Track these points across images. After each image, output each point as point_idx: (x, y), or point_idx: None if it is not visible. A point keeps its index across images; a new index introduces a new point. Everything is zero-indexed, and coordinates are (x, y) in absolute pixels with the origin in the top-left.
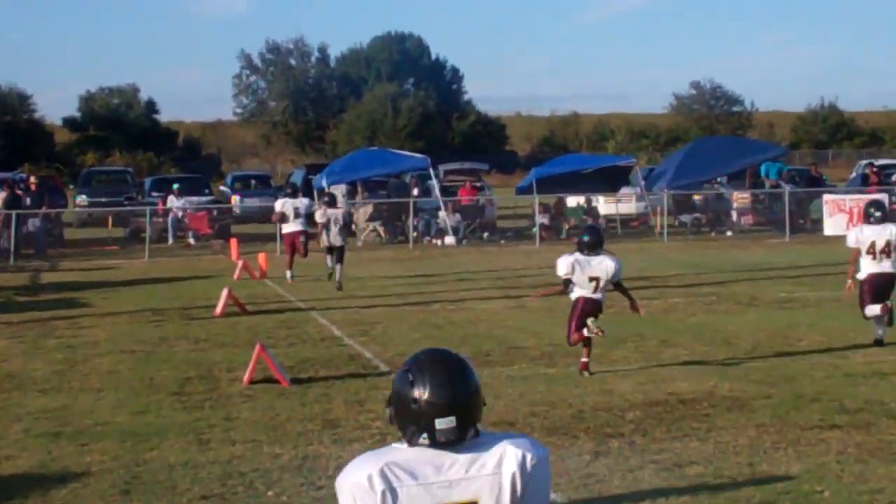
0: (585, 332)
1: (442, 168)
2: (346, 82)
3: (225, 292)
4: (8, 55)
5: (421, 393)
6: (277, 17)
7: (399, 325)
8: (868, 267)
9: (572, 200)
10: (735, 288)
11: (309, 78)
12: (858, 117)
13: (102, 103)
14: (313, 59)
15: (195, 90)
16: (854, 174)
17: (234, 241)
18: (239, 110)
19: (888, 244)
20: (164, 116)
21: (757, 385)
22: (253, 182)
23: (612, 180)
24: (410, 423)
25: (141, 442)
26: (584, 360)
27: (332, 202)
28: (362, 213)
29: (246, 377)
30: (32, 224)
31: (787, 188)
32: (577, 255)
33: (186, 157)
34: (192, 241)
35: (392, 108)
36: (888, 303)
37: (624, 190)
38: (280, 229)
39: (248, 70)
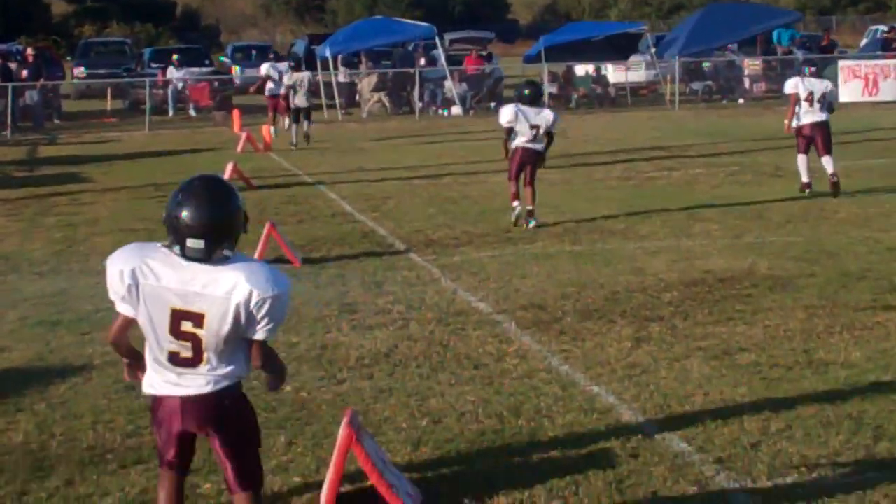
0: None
1: (447, 37)
2: None
3: (230, 166)
4: None
5: (182, 213)
6: None
7: (412, 199)
8: (804, 115)
9: (581, 69)
10: (757, 157)
11: None
12: None
13: None
14: None
15: None
16: (866, 40)
17: (236, 113)
18: None
19: (823, 95)
20: None
21: (797, 262)
22: (253, 53)
23: (621, 48)
24: (171, 235)
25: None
26: (515, 203)
27: (297, 66)
28: (366, 83)
29: (256, 257)
30: (30, 96)
31: (800, 54)
32: (520, 104)
33: (185, 28)
34: (192, 112)
35: None
36: (833, 178)
37: (633, 57)
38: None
39: None
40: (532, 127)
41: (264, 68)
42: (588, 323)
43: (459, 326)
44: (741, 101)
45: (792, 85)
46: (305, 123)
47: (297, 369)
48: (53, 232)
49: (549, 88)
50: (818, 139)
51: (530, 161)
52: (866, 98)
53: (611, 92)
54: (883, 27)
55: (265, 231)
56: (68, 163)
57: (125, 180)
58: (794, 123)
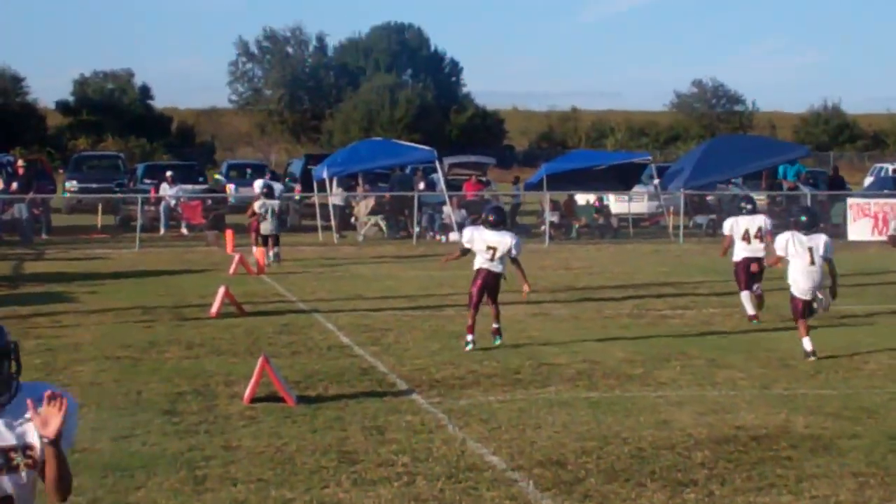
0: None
1: (446, 161)
2: (343, 72)
3: (221, 291)
4: (1, 36)
5: None
6: (275, 5)
7: (412, 332)
8: (741, 251)
9: (582, 198)
10: (773, 299)
11: (306, 67)
12: (861, 120)
13: (96, 88)
14: (311, 47)
15: (190, 77)
16: (871, 178)
17: (229, 233)
18: (234, 98)
19: (759, 230)
20: (159, 102)
21: (836, 420)
22: (249, 171)
23: (623, 178)
24: None
25: (125, 478)
26: (469, 336)
27: (269, 194)
28: (363, 206)
29: (247, 394)
30: (18, 210)
31: (807, 191)
32: (481, 227)
33: (180, 144)
34: (185, 230)
35: (390, 99)
36: (756, 288)
37: (637, 188)
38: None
39: (244, 57)
40: (489, 248)
41: (257, 205)
42: (615, 485)
43: (471, 485)
44: None
45: (728, 227)
46: (273, 250)
47: None
48: (33, 357)
49: (550, 217)
50: (753, 270)
51: (492, 282)
52: (875, 237)
53: (613, 223)
54: (889, 165)
55: (258, 365)
56: (54, 280)
57: (111, 302)
58: (733, 259)
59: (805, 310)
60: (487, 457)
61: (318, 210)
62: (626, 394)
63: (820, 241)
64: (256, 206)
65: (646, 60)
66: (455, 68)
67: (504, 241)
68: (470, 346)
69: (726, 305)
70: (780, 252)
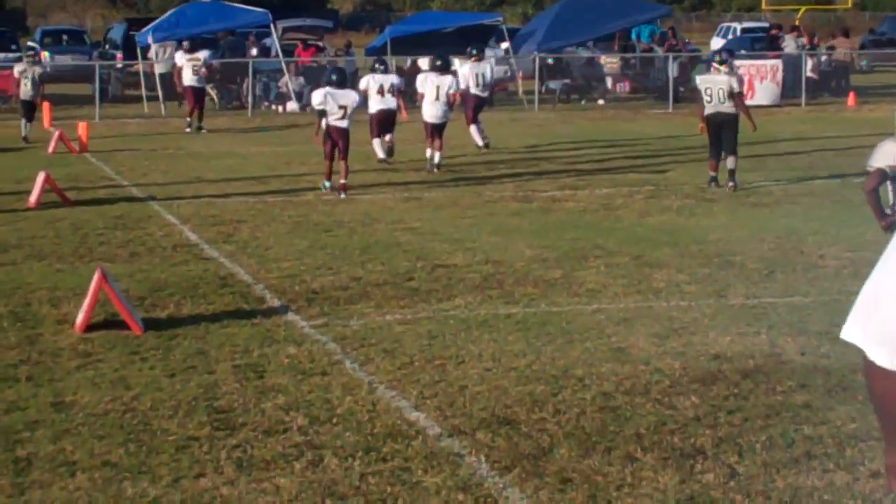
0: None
1: (280, 25)
2: None
3: (41, 178)
4: None
5: None
6: None
7: (272, 224)
8: (375, 104)
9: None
10: (667, 174)
11: None
12: None
13: None
14: None
15: None
16: (720, 38)
17: (46, 105)
18: None
19: (392, 86)
20: None
21: (833, 343)
22: (65, 37)
23: (472, 41)
24: None
25: None
26: (327, 183)
27: (35, 55)
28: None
29: (80, 321)
30: None
31: (660, 51)
32: (329, 88)
33: None
34: None
35: None
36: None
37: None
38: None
39: None
40: (340, 107)
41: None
42: (594, 459)
43: (400, 464)
44: (601, 101)
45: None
46: (22, 122)
47: None
48: None
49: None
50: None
51: (341, 137)
52: (749, 101)
53: None
54: (736, 25)
55: (94, 283)
56: None
57: None
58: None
59: (434, 131)
60: (409, 412)
61: (142, 79)
62: (554, 308)
63: (446, 80)
64: (16, 70)
65: None
66: None
67: (353, 97)
68: (324, 189)
69: (618, 184)
70: (419, 87)
